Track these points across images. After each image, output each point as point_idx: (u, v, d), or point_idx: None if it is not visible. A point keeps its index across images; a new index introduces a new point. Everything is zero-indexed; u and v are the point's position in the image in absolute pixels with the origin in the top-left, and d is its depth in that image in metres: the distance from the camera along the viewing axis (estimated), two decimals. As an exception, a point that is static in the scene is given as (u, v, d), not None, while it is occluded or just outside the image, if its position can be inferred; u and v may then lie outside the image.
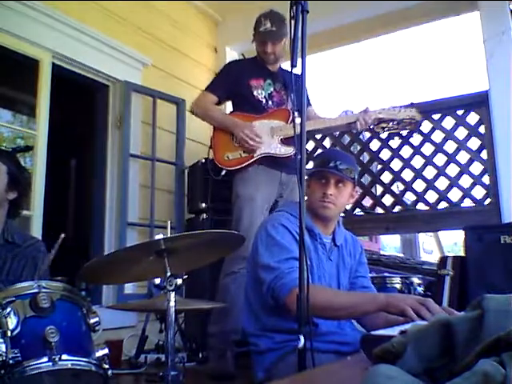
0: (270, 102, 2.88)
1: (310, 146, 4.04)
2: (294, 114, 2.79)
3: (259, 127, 2.78)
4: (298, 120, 3.01)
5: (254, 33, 2.89)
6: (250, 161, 2.74)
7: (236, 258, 2.52)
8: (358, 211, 3.85)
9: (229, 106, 3.19)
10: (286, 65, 3.09)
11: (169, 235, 1.55)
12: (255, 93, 2.87)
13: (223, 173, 2.80)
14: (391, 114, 2.74)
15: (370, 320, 1.72)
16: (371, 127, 3.69)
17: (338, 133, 4.02)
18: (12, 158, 2.07)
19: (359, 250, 1.96)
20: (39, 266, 1.90)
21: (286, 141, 2.77)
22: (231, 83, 2.90)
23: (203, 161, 3.34)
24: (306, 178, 1.54)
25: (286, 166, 2.77)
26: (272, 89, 2.92)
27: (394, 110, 2.73)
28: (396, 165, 3.72)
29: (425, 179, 3.58)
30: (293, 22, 1.41)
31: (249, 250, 1.86)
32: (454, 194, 3.47)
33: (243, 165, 2.74)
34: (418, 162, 3.63)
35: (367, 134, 3.96)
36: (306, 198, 1.70)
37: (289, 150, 2.74)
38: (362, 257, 1.96)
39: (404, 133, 3.63)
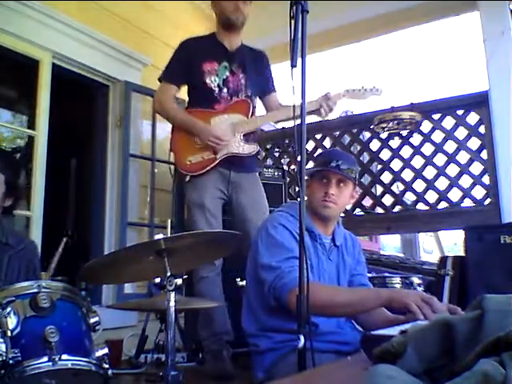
0: (224, 90, 2.64)
1: (310, 145, 4.04)
2: (253, 104, 2.65)
3: (219, 124, 2.58)
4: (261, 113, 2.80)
5: None
6: (214, 164, 2.56)
7: (205, 263, 2.47)
8: (358, 211, 3.85)
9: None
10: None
11: (169, 235, 1.55)
12: (207, 80, 2.63)
13: (187, 178, 2.60)
14: (355, 95, 2.58)
15: (367, 319, 1.72)
16: (371, 127, 3.70)
17: (338, 133, 4.02)
18: (10, 163, 2.05)
19: (358, 249, 1.97)
20: (38, 271, 1.90)
21: (247, 137, 2.60)
22: (184, 68, 2.67)
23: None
24: (306, 178, 1.54)
25: (235, 164, 2.60)
26: (228, 73, 2.66)
27: (358, 92, 2.56)
28: (396, 165, 3.73)
29: (425, 179, 3.59)
30: (293, 21, 1.41)
31: None
32: (454, 194, 3.47)
33: (207, 168, 2.57)
34: (418, 162, 3.63)
35: (367, 134, 3.96)
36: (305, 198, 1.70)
37: (252, 148, 2.59)
38: (360, 255, 1.97)
39: (404, 133, 3.64)
